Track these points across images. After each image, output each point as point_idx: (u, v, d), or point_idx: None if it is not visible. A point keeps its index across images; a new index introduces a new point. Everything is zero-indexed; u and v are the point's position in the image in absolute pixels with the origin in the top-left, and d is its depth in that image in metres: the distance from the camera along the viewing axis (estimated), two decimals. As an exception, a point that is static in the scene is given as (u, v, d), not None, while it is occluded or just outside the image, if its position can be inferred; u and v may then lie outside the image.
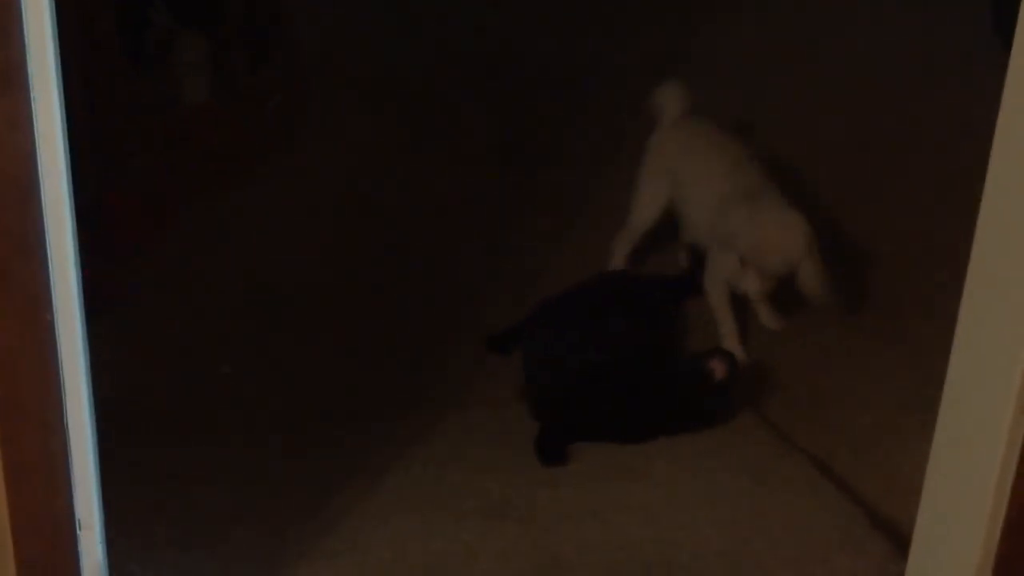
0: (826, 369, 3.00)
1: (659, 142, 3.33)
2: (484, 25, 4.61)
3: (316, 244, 3.47)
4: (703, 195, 3.18)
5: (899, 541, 2.29)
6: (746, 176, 3.14)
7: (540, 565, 2.30)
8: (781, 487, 2.52)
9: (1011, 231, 1.86)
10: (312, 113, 4.01)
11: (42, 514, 1.72)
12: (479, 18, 4.62)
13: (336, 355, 3.05)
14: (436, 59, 4.42)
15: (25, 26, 1.54)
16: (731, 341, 3.05)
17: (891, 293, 3.28)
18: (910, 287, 3.29)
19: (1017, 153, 1.83)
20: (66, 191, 1.65)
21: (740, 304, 3.12)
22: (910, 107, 4.17)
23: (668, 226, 3.32)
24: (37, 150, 1.58)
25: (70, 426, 1.71)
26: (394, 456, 2.59)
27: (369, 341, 3.11)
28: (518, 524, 2.40)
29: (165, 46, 3.51)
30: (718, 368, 2.67)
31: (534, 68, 4.39)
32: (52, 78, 1.58)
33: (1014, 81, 1.82)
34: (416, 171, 3.85)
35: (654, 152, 3.32)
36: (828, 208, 3.66)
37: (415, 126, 4.07)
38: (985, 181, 1.89)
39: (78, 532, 1.77)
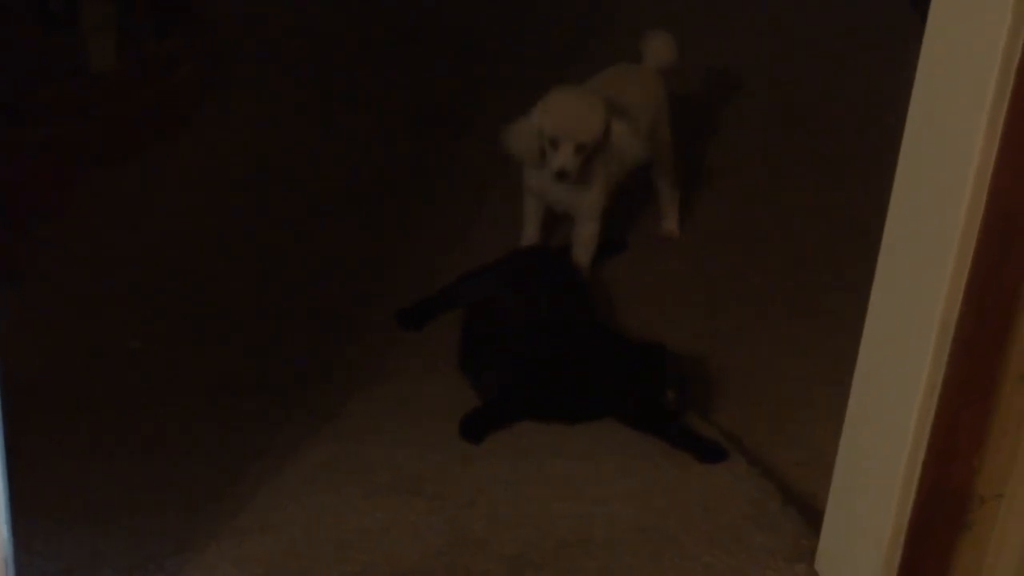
0: (739, 342, 3.03)
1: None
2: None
3: (226, 214, 3.44)
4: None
5: (812, 516, 2.32)
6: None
7: (454, 540, 2.30)
8: (694, 462, 2.54)
9: (926, 202, 1.89)
10: (223, 78, 3.97)
11: (-55, 495, 1.69)
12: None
13: (246, 328, 3.03)
14: (354, 23, 4.40)
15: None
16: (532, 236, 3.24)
17: (805, 266, 3.32)
18: (824, 260, 3.33)
19: (932, 122, 1.86)
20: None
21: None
22: (826, 79, 4.22)
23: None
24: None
25: (-26, 405, 1.68)
26: (306, 431, 2.58)
27: (280, 313, 3.09)
28: (432, 500, 2.40)
29: (71, 10, 3.46)
30: (672, 398, 2.65)
31: (452, 35, 4.39)
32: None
33: (929, 49, 1.85)
34: (332, 137, 3.83)
35: None
36: (743, 180, 3.70)
37: (332, 91, 4.05)
38: (900, 151, 1.92)
39: (-19, 513, 1.74)
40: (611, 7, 4.54)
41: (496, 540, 2.31)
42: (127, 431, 2.60)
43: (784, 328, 3.06)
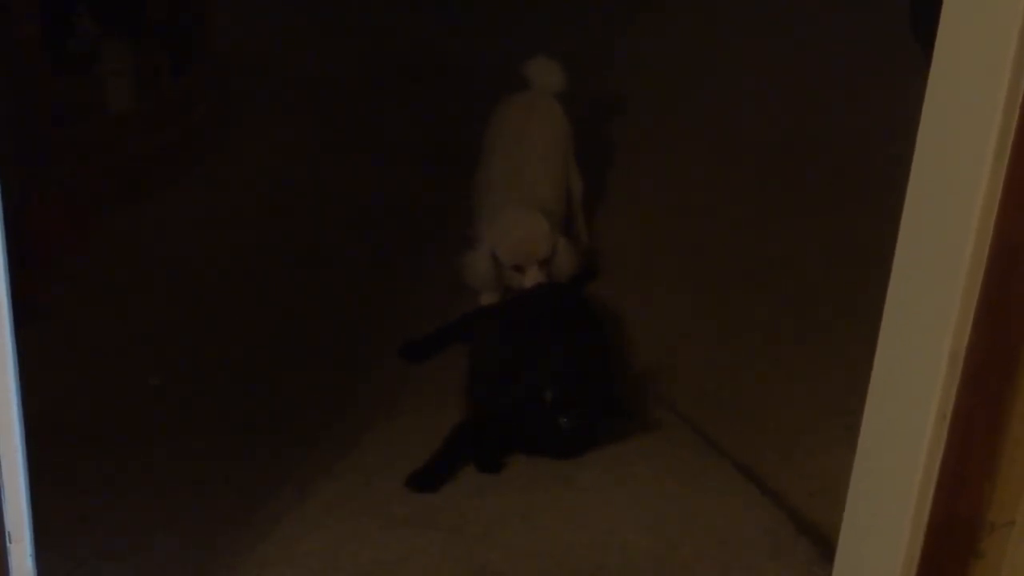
0: (750, 373, 3.03)
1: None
2: (408, 29, 4.62)
3: (240, 250, 3.45)
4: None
5: (824, 545, 2.32)
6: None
7: (470, 572, 2.30)
8: (707, 491, 2.54)
9: (934, 233, 1.89)
10: (236, 118, 3.99)
11: (-28, 528, 1.70)
12: (403, 22, 4.64)
13: (263, 363, 3.04)
14: (361, 63, 4.42)
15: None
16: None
17: (812, 297, 3.32)
18: (831, 291, 3.32)
19: (939, 154, 1.86)
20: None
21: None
22: (830, 108, 4.23)
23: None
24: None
25: (-1, 440, 1.69)
26: (323, 465, 2.59)
27: (295, 349, 3.10)
28: (448, 532, 2.40)
29: (90, 53, 3.48)
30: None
31: (456, 74, 4.41)
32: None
33: (935, 83, 1.85)
34: (341, 175, 3.84)
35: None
36: (749, 213, 3.70)
37: (340, 130, 4.07)
38: (908, 182, 1.92)
39: (8, 545, 1.75)
40: (624, 43, 4.55)
41: (512, 571, 2.31)
42: (147, 465, 2.61)
43: (793, 358, 3.06)
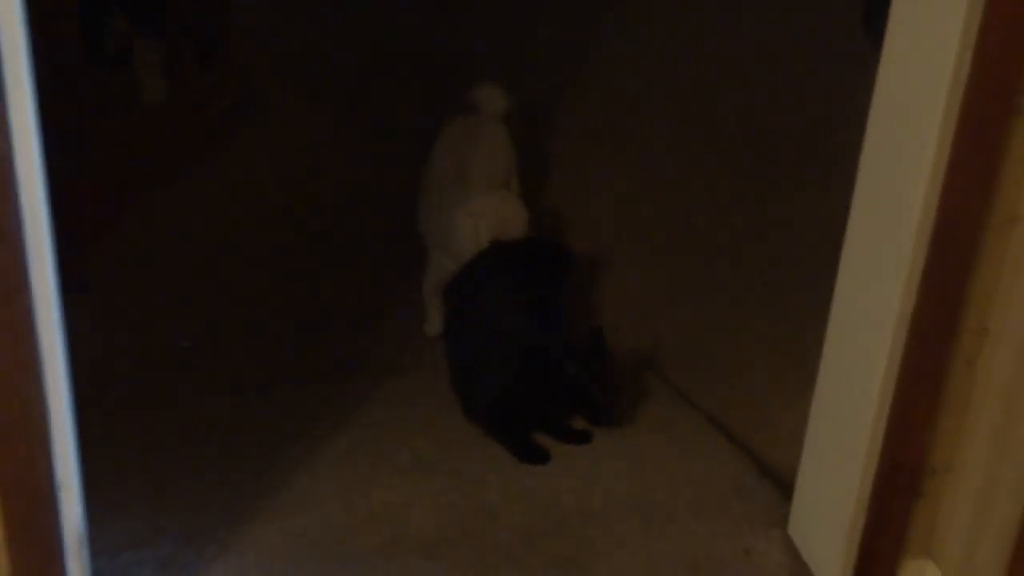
0: (719, 335, 3.04)
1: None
2: (426, 25, 4.59)
3: (261, 228, 3.45)
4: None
5: (784, 487, 2.34)
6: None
7: (469, 513, 2.33)
8: (680, 440, 2.56)
9: (884, 210, 1.90)
10: (258, 111, 3.98)
11: (26, 476, 1.71)
12: (417, 20, 4.60)
13: (283, 328, 3.05)
14: (376, 58, 4.40)
15: (1, 39, 1.53)
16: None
17: (777, 266, 3.31)
18: (794, 260, 3.32)
19: (887, 142, 1.88)
20: (40, 186, 1.65)
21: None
22: (788, 101, 4.20)
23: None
24: (13, 149, 1.57)
25: (49, 397, 1.70)
26: (338, 419, 2.60)
27: (312, 315, 3.11)
28: (449, 476, 2.42)
29: (124, 50, 3.48)
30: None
31: (473, 68, 4.38)
32: (25, 84, 1.58)
33: (884, 80, 1.86)
34: (357, 163, 3.83)
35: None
36: (717, 191, 3.70)
37: (357, 123, 4.05)
38: (859, 164, 1.93)
39: (58, 492, 1.76)
40: (606, 42, 4.51)
41: (507, 512, 2.33)
42: (180, 420, 2.62)
43: (759, 322, 3.06)
